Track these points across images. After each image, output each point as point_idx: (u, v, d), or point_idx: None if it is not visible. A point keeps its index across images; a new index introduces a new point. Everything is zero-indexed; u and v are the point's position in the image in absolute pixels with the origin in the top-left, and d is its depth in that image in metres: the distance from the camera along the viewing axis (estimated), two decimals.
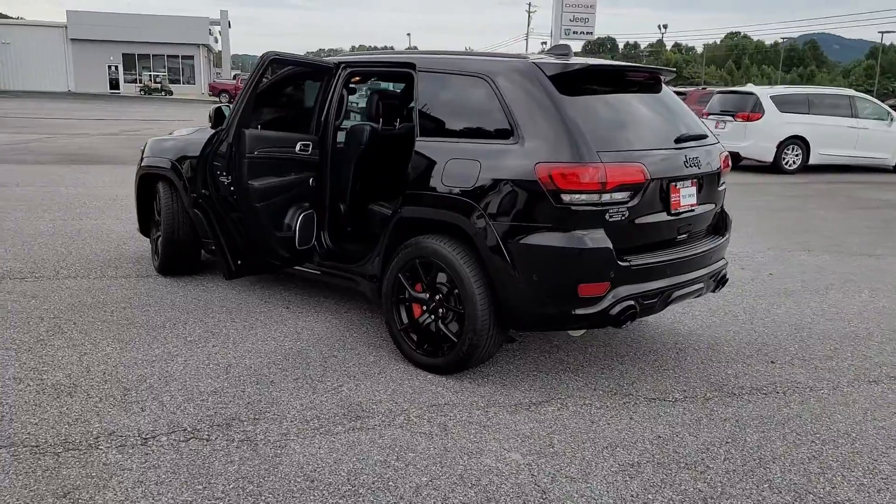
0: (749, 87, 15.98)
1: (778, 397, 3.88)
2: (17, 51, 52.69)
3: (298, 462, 3.02)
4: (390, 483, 2.90)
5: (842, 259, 7.27)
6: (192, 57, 58.05)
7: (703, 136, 4.26)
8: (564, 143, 3.53)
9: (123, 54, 55.31)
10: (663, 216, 3.84)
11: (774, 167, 14.70)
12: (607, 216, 3.53)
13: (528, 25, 71.20)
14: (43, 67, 53.09)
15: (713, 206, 4.31)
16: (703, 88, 22.03)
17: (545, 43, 66.24)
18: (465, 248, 3.81)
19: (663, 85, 4.37)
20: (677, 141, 3.99)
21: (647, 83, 4.24)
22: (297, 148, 4.35)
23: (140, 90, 52.84)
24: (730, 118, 14.77)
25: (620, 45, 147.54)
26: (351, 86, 4.63)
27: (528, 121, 3.66)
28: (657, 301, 3.80)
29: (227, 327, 4.61)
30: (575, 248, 3.50)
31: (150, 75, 55.79)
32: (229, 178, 4.00)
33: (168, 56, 57.50)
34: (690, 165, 3.94)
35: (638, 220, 3.68)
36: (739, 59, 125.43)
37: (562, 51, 4.25)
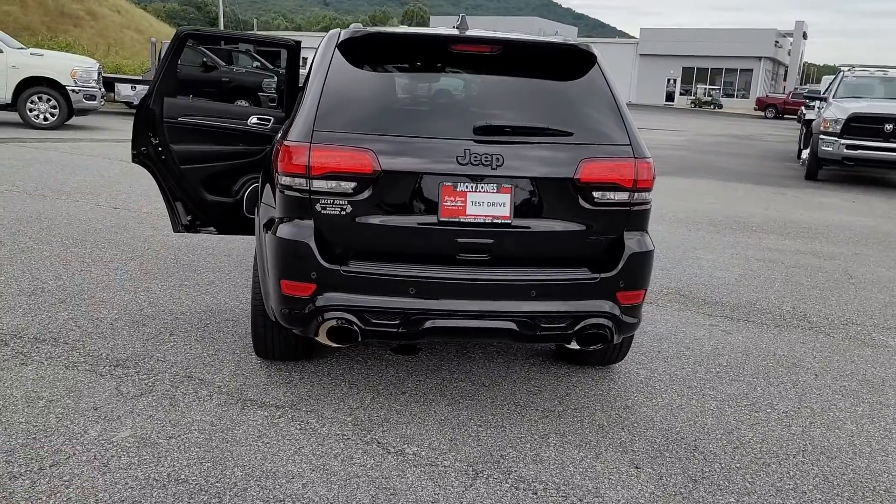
0: None
1: None
2: None
3: None
4: None
5: None
6: (750, 70, 56.74)
7: (559, 133, 3.21)
8: (297, 119, 3.18)
9: (683, 68, 57.66)
10: (419, 221, 3.12)
11: None
12: (318, 207, 3.07)
13: None
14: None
15: (575, 225, 3.21)
16: None
17: None
18: None
19: (584, 65, 3.36)
20: (477, 131, 3.12)
21: (517, 58, 3.42)
22: (252, 121, 4.46)
23: (691, 103, 54.11)
24: None
25: None
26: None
27: (304, 93, 3.35)
28: (398, 324, 3.08)
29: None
30: (275, 238, 3.15)
31: (706, 88, 56.52)
32: (156, 139, 4.36)
33: (726, 70, 57.57)
34: (479, 164, 3.06)
35: (369, 220, 3.10)
36: None
37: (460, 24, 3.58)
